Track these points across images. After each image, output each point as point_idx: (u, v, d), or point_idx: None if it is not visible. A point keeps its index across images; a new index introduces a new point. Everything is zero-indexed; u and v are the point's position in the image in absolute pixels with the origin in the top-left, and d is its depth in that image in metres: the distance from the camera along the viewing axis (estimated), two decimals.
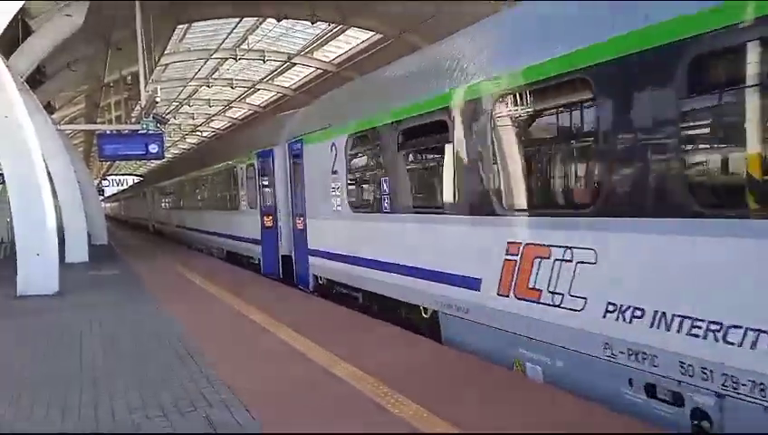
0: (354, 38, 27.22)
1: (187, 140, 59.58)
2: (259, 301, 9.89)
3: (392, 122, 7.90)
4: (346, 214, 9.46)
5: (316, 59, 30.67)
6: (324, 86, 22.60)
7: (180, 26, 25.10)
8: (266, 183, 14.07)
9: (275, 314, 8.73)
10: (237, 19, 25.51)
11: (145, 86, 18.30)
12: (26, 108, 11.99)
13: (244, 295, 10.54)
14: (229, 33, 27.65)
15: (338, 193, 9.69)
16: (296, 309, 9.34)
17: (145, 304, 10.38)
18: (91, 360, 6.75)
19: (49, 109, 22.77)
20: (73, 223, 18.01)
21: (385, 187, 8.23)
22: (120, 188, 76.41)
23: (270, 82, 36.11)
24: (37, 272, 11.58)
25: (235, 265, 16.14)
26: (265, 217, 13.88)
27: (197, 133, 55.36)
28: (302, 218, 11.73)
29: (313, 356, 6.41)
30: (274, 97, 38.66)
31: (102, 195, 61.60)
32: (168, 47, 27.08)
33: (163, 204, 34.23)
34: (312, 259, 11.27)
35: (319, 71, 31.55)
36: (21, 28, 15.36)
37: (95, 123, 31.20)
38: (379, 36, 24.93)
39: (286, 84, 36.17)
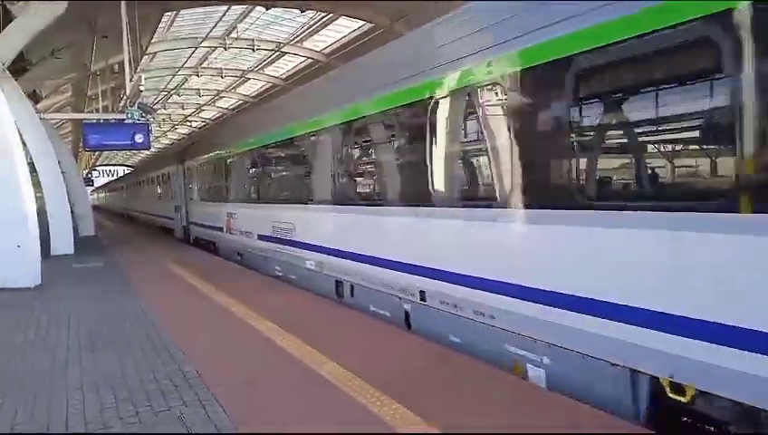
0: (345, 27, 26.90)
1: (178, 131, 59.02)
2: None
3: None
4: None
5: (306, 48, 30.34)
6: (315, 75, 22.23)
7: (168, 14, 24.69)
8: None
9: None
10: (225, 7, 25.12)
11: (130, 75, 17.97)
12: (8, 96, 11.68)
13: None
14: (218, 22, 27.24)
15: None
16: None
17: (127, 297, 10.18)
18: (65, 356, 6.56)
19: (35, 97, 22.34)
20: (58, 214, 17.70)
21: None
22: (111, 178, 74.66)
23: (260, 71, 35.74)
24: (18, 264, 11.35)
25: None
26: None
27: (187, 123, 54.82)
28: None
29: None
30: (266, 87, 38.30)
31: (92, 185, 61.06)
32: (156, 35, 26.63)
33: (216, 192, 17.74)
34: None
35: (309, 60, 31.22)
36: (2, 14, 15.03)
37: (83, 113, 30.74)
38: (370, 25, 24.65)
39: (276, 74, 35.82)
